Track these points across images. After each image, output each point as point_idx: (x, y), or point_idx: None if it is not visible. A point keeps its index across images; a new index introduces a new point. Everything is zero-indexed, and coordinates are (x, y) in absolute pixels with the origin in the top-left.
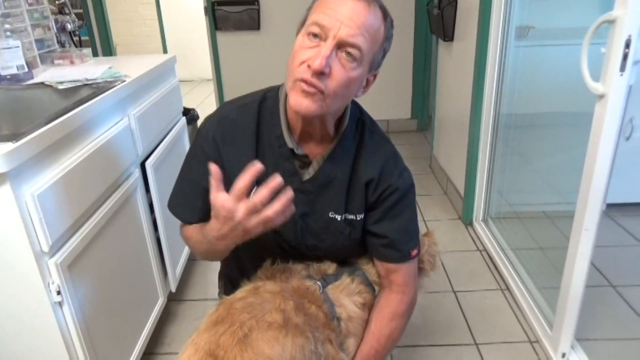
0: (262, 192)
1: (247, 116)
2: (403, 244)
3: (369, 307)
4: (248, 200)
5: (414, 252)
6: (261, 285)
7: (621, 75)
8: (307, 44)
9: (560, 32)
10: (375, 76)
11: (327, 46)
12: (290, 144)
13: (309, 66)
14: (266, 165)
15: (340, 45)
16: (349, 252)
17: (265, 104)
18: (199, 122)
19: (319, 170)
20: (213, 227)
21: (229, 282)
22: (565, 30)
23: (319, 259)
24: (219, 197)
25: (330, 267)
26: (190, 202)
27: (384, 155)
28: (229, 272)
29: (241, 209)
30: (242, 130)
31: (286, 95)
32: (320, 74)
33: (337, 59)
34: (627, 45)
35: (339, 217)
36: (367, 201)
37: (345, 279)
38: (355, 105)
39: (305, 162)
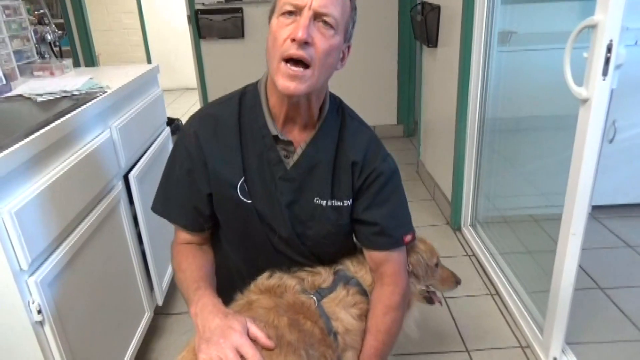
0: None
1: (228, 110)
2: (393, 230)
3: (366, 317)
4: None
5: (408, 238)
6: (255, 300)
7: (604, 79)
8: (284, 22)
9: (542, 37)
10: (349, 48)
11: (305, 17)
12: (274, 131)
13: (292, 40)
14: (250, 156)
15: (317, 16)
16: (338, 241)
17: (245, 98)
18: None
19: (302, 155)
20: (200, 319)
21: (221, 287)
22: (547, 35)
23: (309, 256)
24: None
25: (325, 281)
26: (177, 203)
27: (366, 139)
28: (220, 276)
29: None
30: (224, 124)
31: (266, 85)
32: (305, 43)
33: (316, 30)
34: (609, 49)
35: (324, 203)
36: (354, 186)
37: (341, 291)
38: (333, 95)
39: (289, 150)
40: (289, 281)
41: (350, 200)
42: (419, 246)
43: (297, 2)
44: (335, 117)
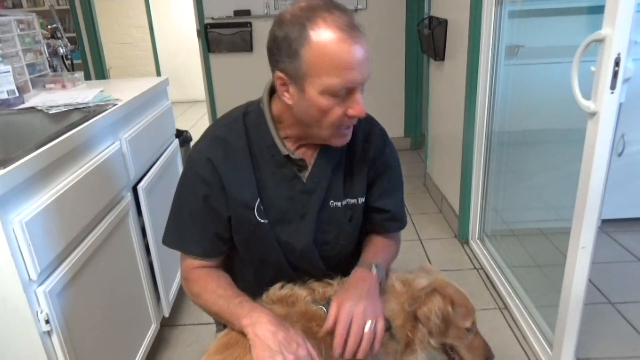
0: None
1: (235, 132)
2: (402, 215)
3: None
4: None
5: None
6: (269, 309)
7: (612, 93)
8: (334, 102)
9: (549, 51)
10: None
11: (359, 94)
12: (284, 150)
13: (350, 116)
14: (263, 177)
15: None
16: (352, 241)
17: (248, 118)
18: (192, 144)
19: (314, 166)
20: (259, 330)
21: None
22: (555, 48)
23: (322, 268)
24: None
25: (336, 292)
26: (193, 233)
27: (376, 134)
28: None
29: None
30: (233, 147)
31: (270, 107)
32: None
33: None
34: (617, 63)
35: (339, 204)
36: (368, 180)
37: None
38: None
39: (302, 165)
40: (300, 291)
41: (364, 197)
42: (437, 300)
43: (353, 86)
44: None
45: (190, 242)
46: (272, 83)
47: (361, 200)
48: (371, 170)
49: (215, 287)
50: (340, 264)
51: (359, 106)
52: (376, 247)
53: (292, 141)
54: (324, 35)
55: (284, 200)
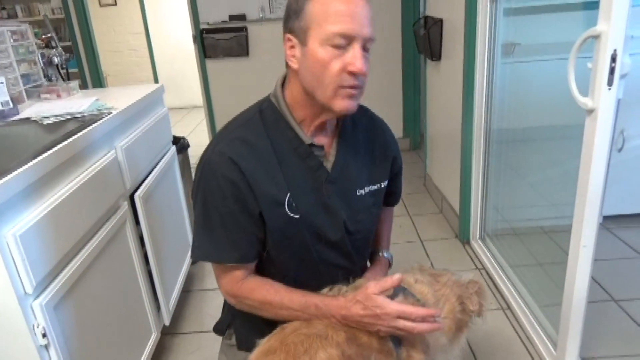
0: (422, 312)
1: (255, 131)
2: (400, 190)
3: None
4: (406, 305)
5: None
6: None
7: (609, 89)
8: (335, 53)
9: (546, 48)
10: None
11: (358, 48)
12: (307, 140)
13: (352, 73)
14: (290, 170)
15: (363, 44)
16: (377, 222)
17: (264, 114)
18: (190, 150)
19: (336, 156)
20: (346, 307)
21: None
22: (551, 45)
23: (352, 256)
24: (379, 297)
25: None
26: (228, 241)
27: (388, 132)
28: None
29: (394, 307)
30: (255, 145)
31: (284, 99)
32: (365, 74)
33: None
34: (613, 59)
35: (363, 192)
36: (392, 171)
37: (401, 300)
38: None
39: (321, 155)
40: (341, 294)
41: (386, 181)
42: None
43: (350, 33)
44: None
45: (225, 249)
46: (283, 77)
47: (384, 184)
48: (395, 165)
49: (273, 294)
50: (365, 250)
51: (359, 61)
52: (382, 227)
53: (308, 124)
54: None
55: (312, 192)
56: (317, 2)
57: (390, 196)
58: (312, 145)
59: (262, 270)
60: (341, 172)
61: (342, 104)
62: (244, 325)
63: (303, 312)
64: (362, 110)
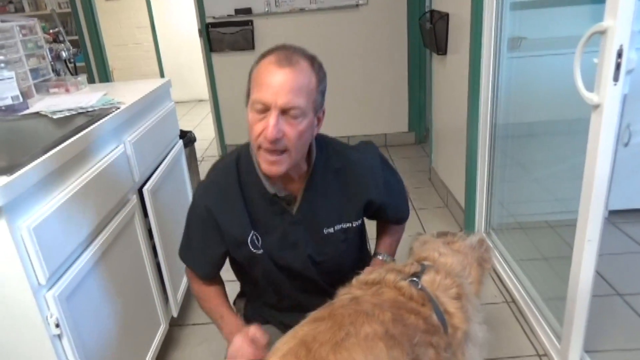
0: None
1: (228, 177)
2: (402, 213)
3: (462, 296)
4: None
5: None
6: (360, 295)
7: (615, 84)
8: (256, 118)
9: (552, 42)
10: (323, 112)
11: (273, 116)
12: (271, 190)
13: (263, 136)
14: (256, 211)
15: (283, 111)
16: (349, 256)
17: (240, 162)
18: (197, 144)
19: (301, 200)
20: (232, 333)
21: (253, 310)
22: (557, 39)
23: (327, 278)
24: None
25: (417, 269)
26: (198, 257)
27: (370, 176)
28: (252, 301)
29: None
30: (227, 191)
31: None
32: (275, 140)
33: (284, 122)
34: (619, 55)
35: (332, 230)
36: (365, 211)
37: (434, 276)
38: (319, 136)
39: (290, 199)
40: (388, 275)
41: (359, 221)
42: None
43: (265, 101)
44: (325, 157)
45: (197, 262)
46: None
47: (356, 223)
48: (377, 199)
49: (211, 302)
50: (341, 279)
51: (269, 128)
52: (385, 235)
53: (278, 180)
54: (265, 60)
55: (276, 231)
56: (255, 70)
57: (392, 221)
58: (276, 195)
59: (253, 288)
60: (306, 214)
61: (264, 167)
62: (255, 318)
63: (215, 320)
64: (339, 156)
